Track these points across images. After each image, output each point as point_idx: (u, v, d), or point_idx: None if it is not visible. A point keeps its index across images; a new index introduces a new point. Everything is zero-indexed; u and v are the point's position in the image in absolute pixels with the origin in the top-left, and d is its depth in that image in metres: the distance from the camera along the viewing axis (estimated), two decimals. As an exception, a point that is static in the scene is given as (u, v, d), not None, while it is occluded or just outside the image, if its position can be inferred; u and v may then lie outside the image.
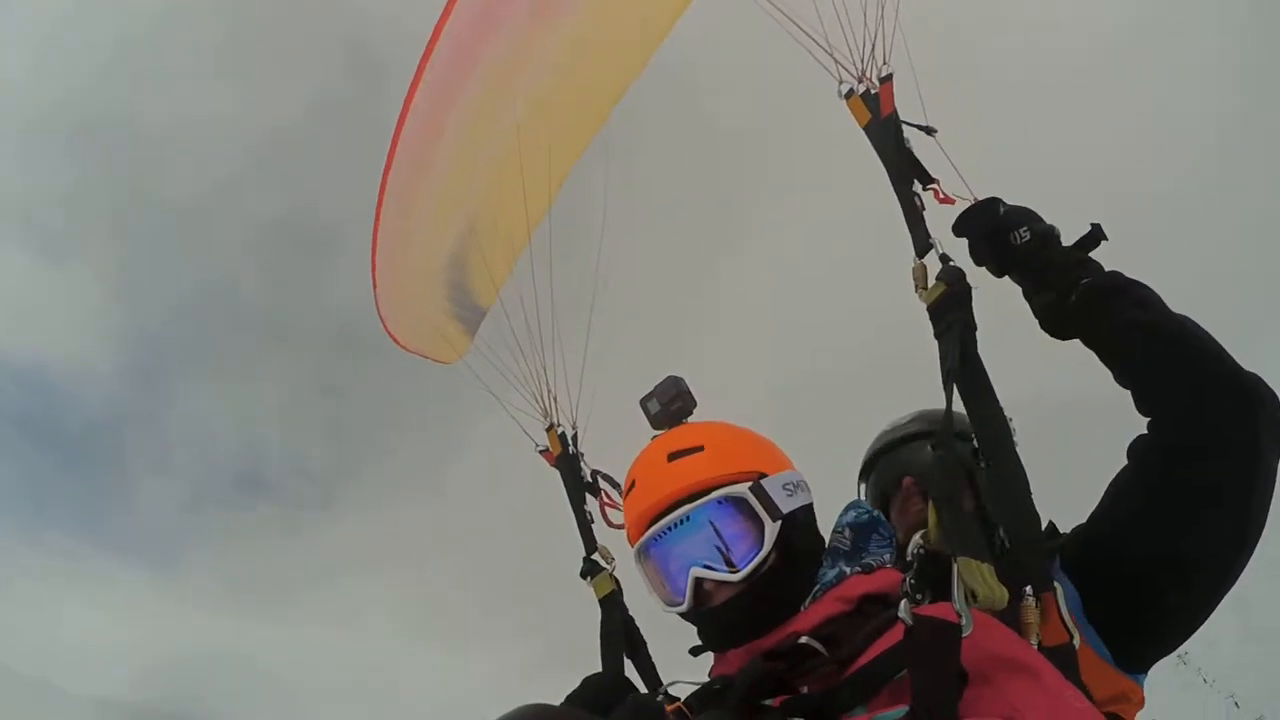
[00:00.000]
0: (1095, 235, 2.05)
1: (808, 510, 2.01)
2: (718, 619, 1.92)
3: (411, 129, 3.18)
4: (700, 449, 1.98)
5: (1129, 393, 1.97)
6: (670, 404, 2.19)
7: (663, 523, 1.93)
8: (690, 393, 2.22)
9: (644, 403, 2.23)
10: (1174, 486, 1.86)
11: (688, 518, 1.91)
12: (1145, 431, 1.94)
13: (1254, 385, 1.86)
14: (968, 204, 2.13)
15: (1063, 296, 2.00)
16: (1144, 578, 1.86)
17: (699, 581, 1.89)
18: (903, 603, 1.55)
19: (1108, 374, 2.01)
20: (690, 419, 2.20)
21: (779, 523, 1.89)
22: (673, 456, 1.98)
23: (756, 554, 1.87)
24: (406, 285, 3.69)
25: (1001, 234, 2.06)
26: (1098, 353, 2.01)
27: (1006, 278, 2.11)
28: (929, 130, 2.18)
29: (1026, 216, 2.08)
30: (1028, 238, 2.03)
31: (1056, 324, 2.05)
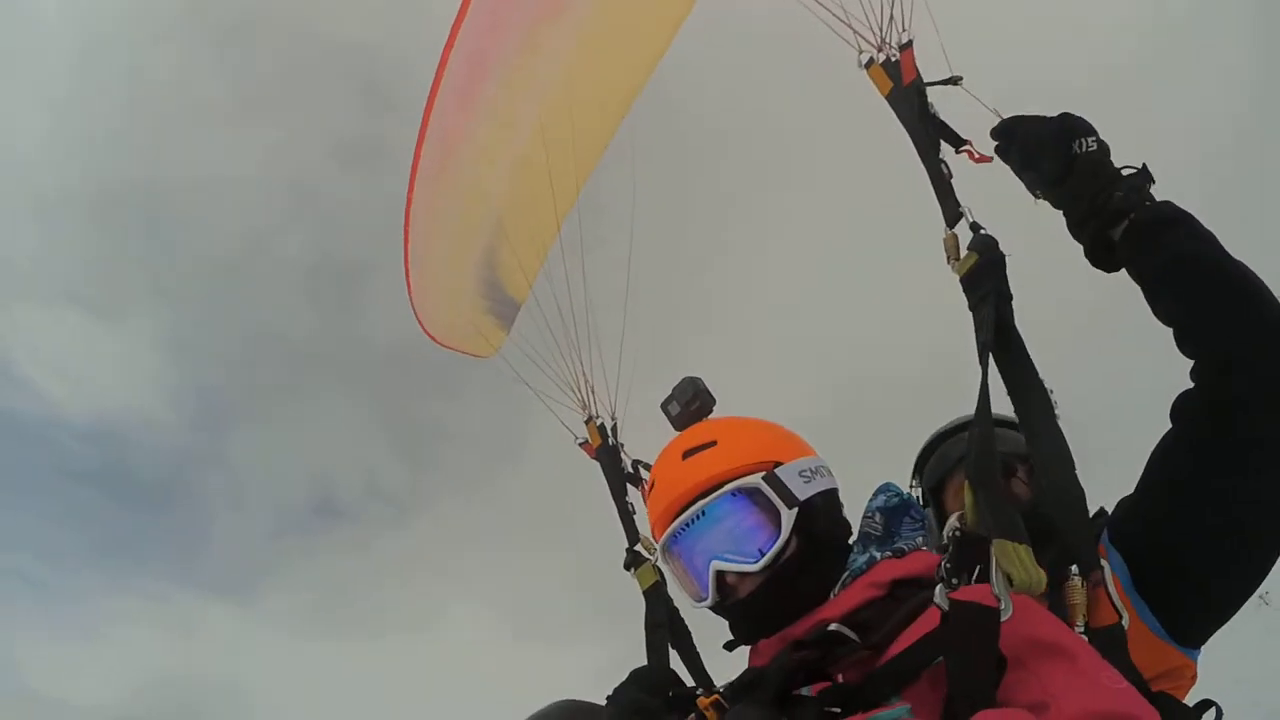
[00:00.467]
0: (1146, 171, 1.92)
1: (829, 496, 1.96)
2: (744, 611, 1.91)
3: (434, 131, 3.21)
4: (713, 444, 1.97)
5: (1171, 329, 1.84)
6: (689, 404, 2.21)
7: (681, 519, 1.94)
8: (708, 391, 2.23)
9: (664, 406, 2.26)
10: (1222, 443, 1.74)
11: (703, 512, 1.91)
12: (1187, 390, 1.82)
13: None
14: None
15: (1111, 221, 1.88)
16: (1195, 545, 1.76)
17: (721, 575, 1.89)
18: (938, 588, 1.52)
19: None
20: (710, 416, 2.21)
21: (795, 510, 1.87)
22: (687, 454, 1.98)
23: (775, 542, 1.85)
24: (439, 283, 3.74)
25: (1064, 139, 1.91)
26: (1144, 285, 1.87)
27: (1042, 201, 2.00)
28: (954, 80, 2.10)
29: (1091, 127, 1.92)
30: (1094, 147, 1.90)
31: (1105, 251, 1.93)
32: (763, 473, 1.90)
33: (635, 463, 2.85)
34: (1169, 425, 1.86)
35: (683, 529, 1.93)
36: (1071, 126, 1.92)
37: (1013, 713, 1.35)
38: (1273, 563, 1.78)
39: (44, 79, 43.32)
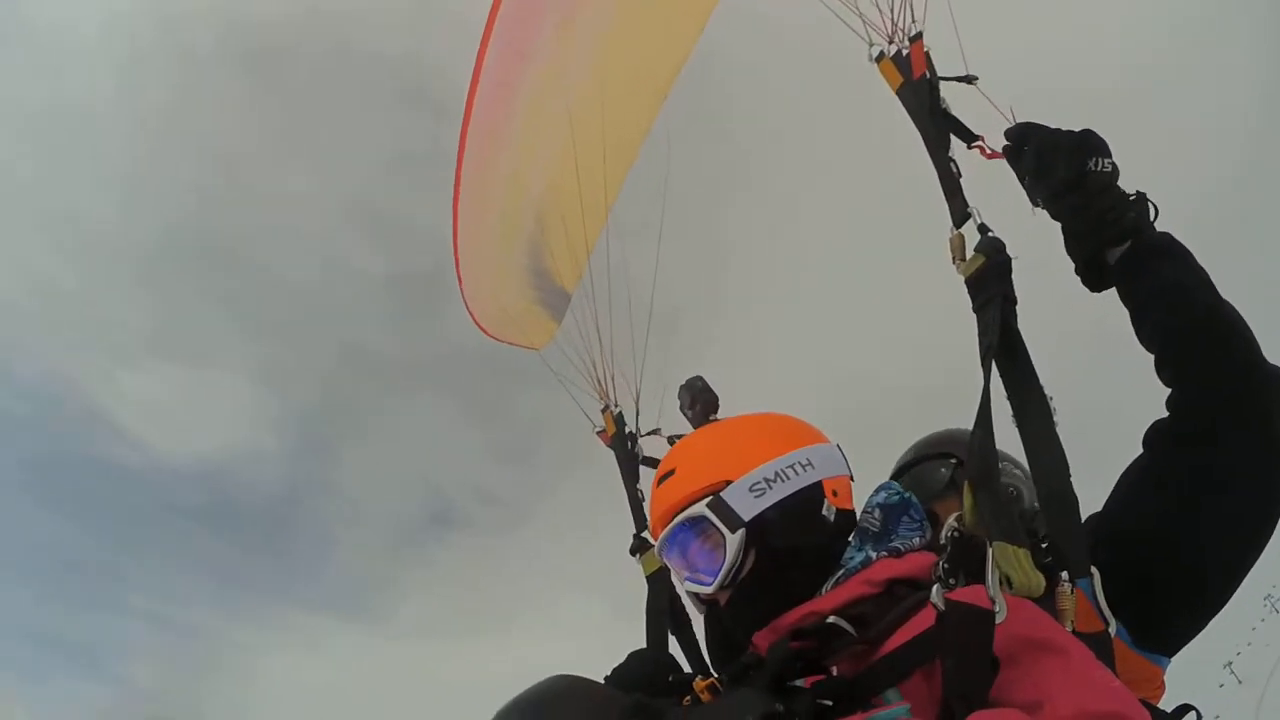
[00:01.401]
0: (1147, 199, 1.92)
1: (793, 500, 1.94)
2: (728, 618, 2.00)
3: (477, 125, 3.28)
4: (672, 472, 2.06)
5: (1153, 356, 1.87)
6: (692, 407, 2.30)
7: (657, 545, 2.08)
8: (708, 388, 2.30)
9: (682, 411, 2.36)
10: (1183, 471, 1.78)
11: (666, 542, 2.03)
12: (1160, 419, 1.86)
13: (1277, 378, 1.77)
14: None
15: (1112, 241, 1.89)
16: (1156, 565, 1.77)
17: (694, 594, 2.05)
18: (935, 587, 1.53)
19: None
20: (718, 412, 2.31)
21: (740, 531, 1.89)
22: (660, 481, 2.10)
23: (720, 567, 1.92)
24: (489, 277, 3.83)
25: (1082, 152, 1.90)
26: (1132, 309, 1.90)
27: (1045, 214, 1.99)
28: (969, 79, 2.08)
29: (1109, 149, 1.93)
30: (1108, 169, 1.89)
31: (1096, 270, 1.94)
32: (709, 497, 1.94)
33: (646, 459, 2.91)
34: (1140, 450, 1.89)
35: (661, 552, 2.08)
36: (1092, 143, 1.91)
37: (1008, 713, 1.37)
38: (1238, 582, 1.81)
39: (108, 155, 46.13)
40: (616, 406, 2.96)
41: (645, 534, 2.69)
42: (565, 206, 3.28)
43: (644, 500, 2.76)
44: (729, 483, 1.95)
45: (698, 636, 2.52)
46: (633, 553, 2.68)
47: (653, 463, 2.87)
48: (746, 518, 1.90)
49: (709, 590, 1.94)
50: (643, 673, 2.21)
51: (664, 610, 2.48)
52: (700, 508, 1.94)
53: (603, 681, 2.25)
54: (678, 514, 1.98)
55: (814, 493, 1.96)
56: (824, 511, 1.96)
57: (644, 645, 2.59)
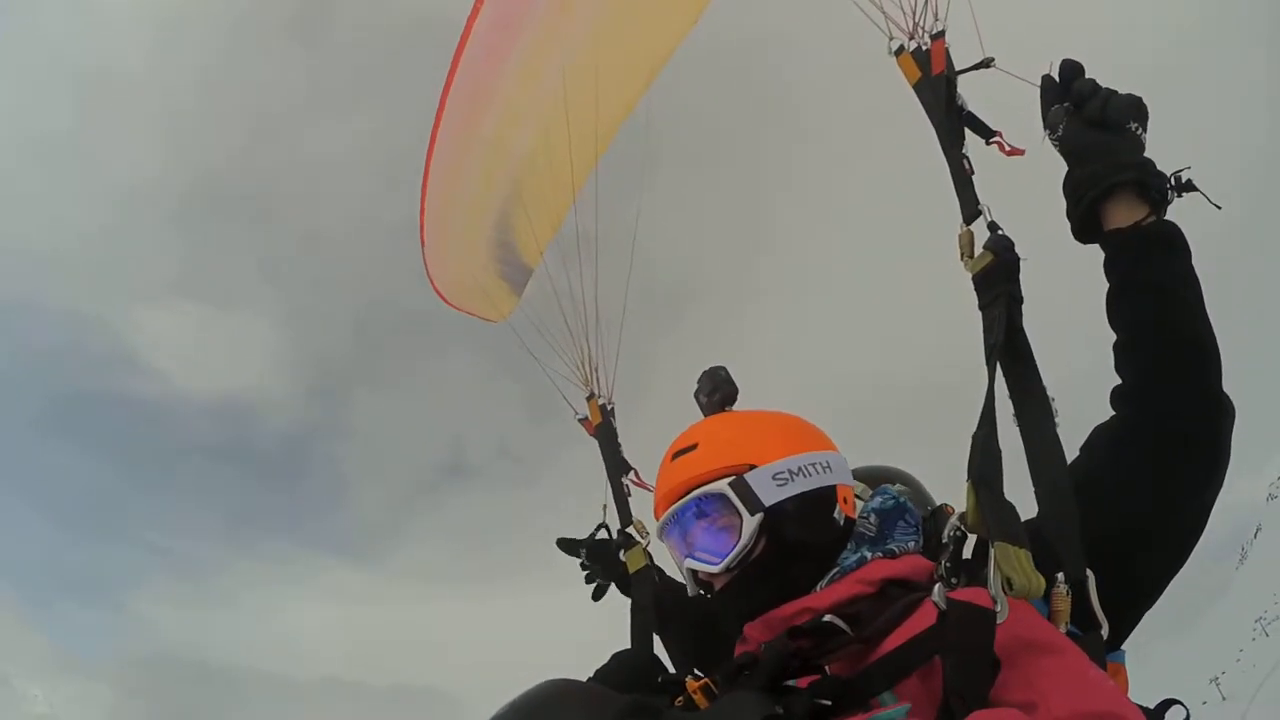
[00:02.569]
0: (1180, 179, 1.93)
1: (810, 497, 1.98)
2: (721, 603, 2.02)
3: (457, 93, 3.23)
4: (694, 447, 2.06)
5: (1116, 340, 1.91)
6: (712, 395, 2.29)
7: (664, 518, 2.07)
8: (729, 379, 2.30)
9: (696, 397, 2.34)
10: (1132, 476, 1.82)
11: (676, 515, 2.03)
12: (1105, 422, 1.91)
13: (1230, 407, 1.84)
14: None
15: (1116, 193, 1.89)
16: (1106, 563, 1.76)
17: (694, 572, 2.02)
18: (937, 587, 1.56)
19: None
20: (734, 405, 2.29)
21: (760, 515, 1.92)
22: (675, 455, 2.09)
23: (734, 547, 1.93)
24: (454, 245, 3.77)
25: (1130, 109, 1.90)
26: (1115, 287, 1.91)
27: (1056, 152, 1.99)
28: (986, 64, 2.07)
29: (1148, 123, 1.95)
30: (1140, 133, 1.90)
31: (1090, 223, 1.94)
32: (732, 477, 1.96)
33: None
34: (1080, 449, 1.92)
35: (665, 527, 2.07)
36: (1142, 107, 1.92)
37: (1006, 712, 1.38)
38: (1164, 587, 1.88)
39: (145, 110, 46.81)
40: (600, 396, 2.90)
41: (630, 530, 2.64)
42: (540, 181, 3.26)
43: (629, 495, 2.71)
44: (752, 467, 1.98)
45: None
46: (618, 549, 2.62)
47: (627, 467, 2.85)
48: (767, 503, 1.93)
49: (715, 569, 1.95)
50: (629, 673, 2.23)
51: (648, 608, 2.46)
52: (722, 485, 1.96)
53: (589, 681, 2.27)
54: (695, 489, 1.99)
55: (829, 494, 2.01)
56: (835, 514, 2.00)
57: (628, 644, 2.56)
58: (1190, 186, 1.89)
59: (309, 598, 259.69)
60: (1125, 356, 1.90)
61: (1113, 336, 1.94)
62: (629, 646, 2.45)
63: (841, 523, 1.99)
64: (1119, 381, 1.92)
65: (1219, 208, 1.94)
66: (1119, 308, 1.92)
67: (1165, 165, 1.89)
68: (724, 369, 2.31)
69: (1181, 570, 1.90)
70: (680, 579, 2.17)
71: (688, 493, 2.00)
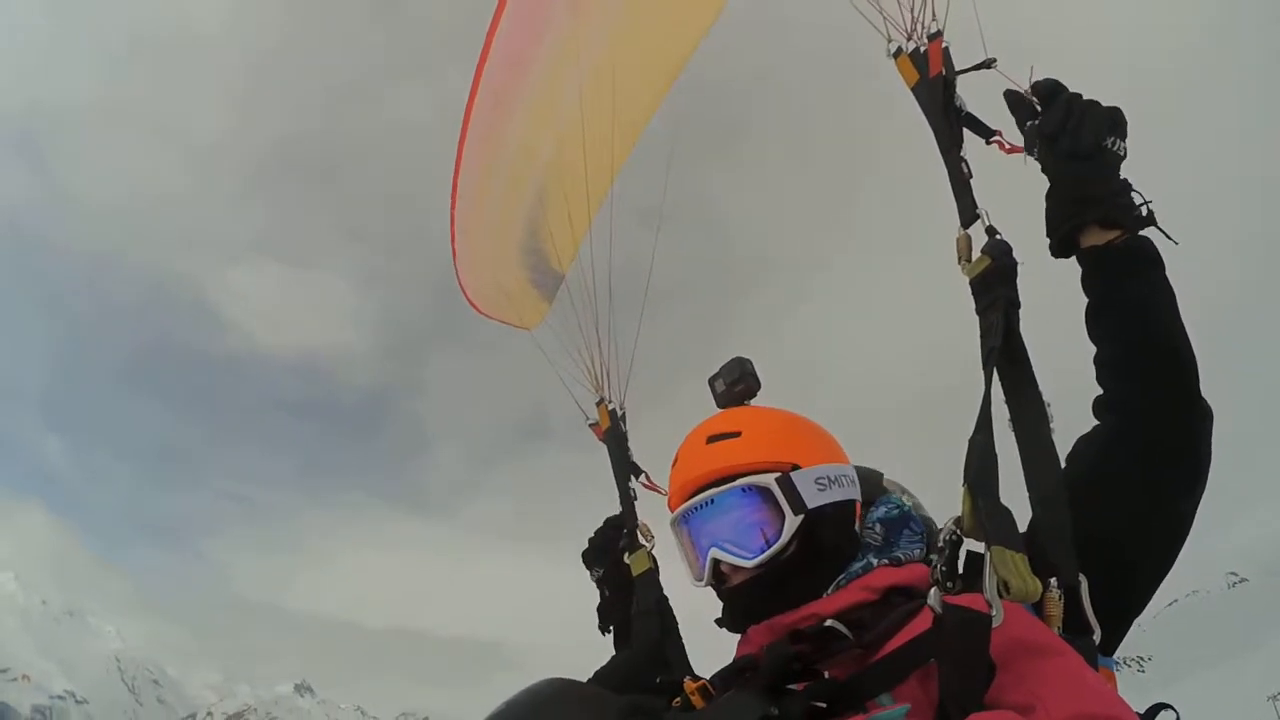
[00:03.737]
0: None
1: (843, 507, 2.02)
2: (732, 599, 2.02)
3: (483, 101, 3.28)
4: (737, 434, 2.05)
5: (1097, 352, 1.96)
6: (734, 385, 2.26)
7: (692, 501, 2.04)
8: (755, 374, 2.28)
9: (711, 381, 2.32)
10: (1130, 476, 1.88)
11: (713, 500, 2.01)
12: (1088, 434, 1.97)
13: (1208, 406, 1.90)
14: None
15: (1093, 222, 1.92)
16: (1094, 570, 1.80)
17: (717, 562, 2.00)
18: (933, 590, 1.58)
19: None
20: (754, 401, 2.28)
21: (801, 516, 1.94)
22: (711, 439, 2.07)
23: (773, 544, 1.94)
24: (483, 253, 3.83)
25: (1108, 126, 1.91)
26: (1094, 301, 1.95)
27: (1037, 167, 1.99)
28: (987, 64, 2.06)
29: (1127, 133, 1.95)
30: (1121, 153, 1.92)
31: (1069, 243, 1.97)
32: (778, 473, 1.97)
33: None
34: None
35: (693, 511, 2.05)
36: (1119, 121, 1.93)
37: (1003, 714, 1.40)
38: (1155, 589, 1.94)
39: (224, 76, 47.27)
40: (612, 402, 2.94)
41: (636, 533, 2.66)
42: (568, 185, 3.26)
43: (636, 498, 2.73)
44: (796, 466, 1.99)
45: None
46: (622, 551, 2.64)
47: (638, 470, 2.85)
48: (810, 505, 1.95)
49: (748, 564, 1.95)
50: (628, 674, 2.25)
51: (652, 612, 2.47)
52: (768, 480, 1.97)
53: (590, 682, 2.32)
54: (735, 476, 1.99)
55: (853, 508, 2.05)
56: (856, 527, 2.04)
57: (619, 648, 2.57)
58: (1151, 220, 1.89)
59: (381, 548, 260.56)
60: (1106, 369, 1.94)
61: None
62: (629, 649, 2.47)
63: (859, 535, 2.02)
64: (1101, 392, 1.96)
65: (1176, 243, 1.95)
66: (1097, 324, 1.96)
67: (1143, 177, 1.90)
68: (750, 362, 2.30)
69: (1249, 582, 1.92)
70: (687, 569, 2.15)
71: (724, 479, 2.00)
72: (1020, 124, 2.02)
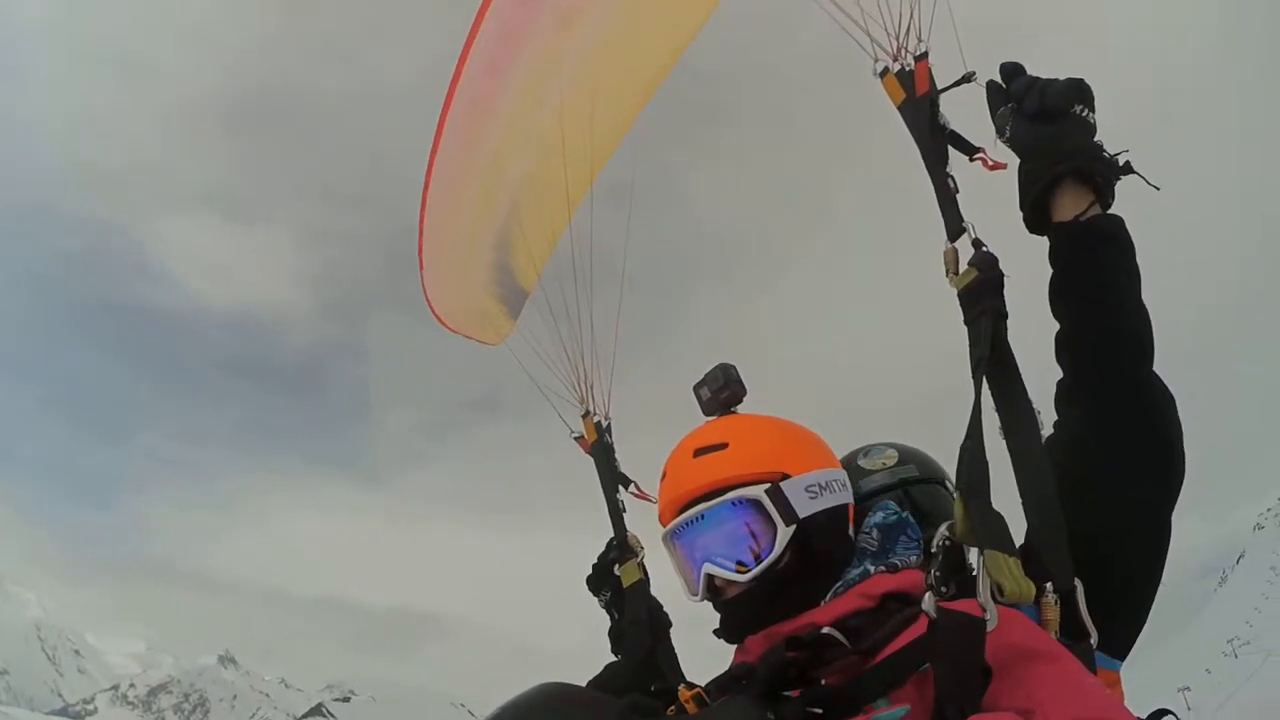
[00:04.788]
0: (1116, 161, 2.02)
1: (835, 513, 2.03)
2: (729, 611, 2.02)
3: (458, 110, 3.26)
4: (724, 446, 2.05)
5: (1060, 328, 2.02)
6: (719, 392, 2.26)
7: (682, 517, 2.04)
8: (740, 381, 2.27)
9: (696, 389, 2.31)
10: (1104, 469, 1.92)
11: (703, 516, 2.01)
12: (1064, 418, 2.02)
13: (1165, 388, 1.96)
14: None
15: (1064, 182, 1.99)
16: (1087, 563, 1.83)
17: (711, 577, 2.00)
18: (927, 595, 1.60)
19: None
20: (739, 407, 2.27)
21: (794, 527, 1.95)
22: (699, 452, 2.07)
23: (766, 557, 1.94)
24: (452, 266, 3.80)
25: (1071, 93, 1.99)
26: (1060, 277, 2.02)
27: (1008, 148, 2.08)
28: (968, 78, 2.13)
29: (1094, 104, 2.03)
30: (1090, 120, 1.99)
31: (1043, 214, 2.04)
32: (767, 484, 1.97)
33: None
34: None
35: (683, 527, 2.04)
36: (1084, 89, 2.00)
37: (1003, 716, 1.42)
38: (1160, 572, 1.96)
39: (185, 8, 44.51)
40: (596, 414, 2.94)
41: (628, 544, 2.66)
42: (536, 200, 3.29)
43: (624, 511, 2.73)
44: (786, 476, 1.99)
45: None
46: (612, 563, 2.64)
47: (626, 481, 2.84)
48: (802, 515, 1.95)
49: (742, 579, 1.95)
50: (623, 682, 2.24)
51: (642, 622, 2.46)
52: (757, 492, 1.97)
53: (587, 686, 2.30)
54: (724, 489, 1.98)
55: (846, 512, 2.07)
56: (849, 531, 2.05)
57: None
58: (1129, 169, 1.97)
59: (317, 515, 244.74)
60: (1065, 348, 2.01)
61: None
62: (621, 659, 2.48)
63: (853, 539, 2.03)
64: (1061, 375, 2.02)
65: (1157, 189, 2.02)
66: (1061, 301, 2.02)
67: (1112, 142, 1.97)
68: (735, 368, 2.29)
69: (1164, 583, 1.97)
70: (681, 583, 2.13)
71: (714, 493, 1.99)
72: (994, 112, 2.10)
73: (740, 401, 2.27)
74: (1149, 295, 1.98)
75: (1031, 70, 2.10)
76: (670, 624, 2.51)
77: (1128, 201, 2.01)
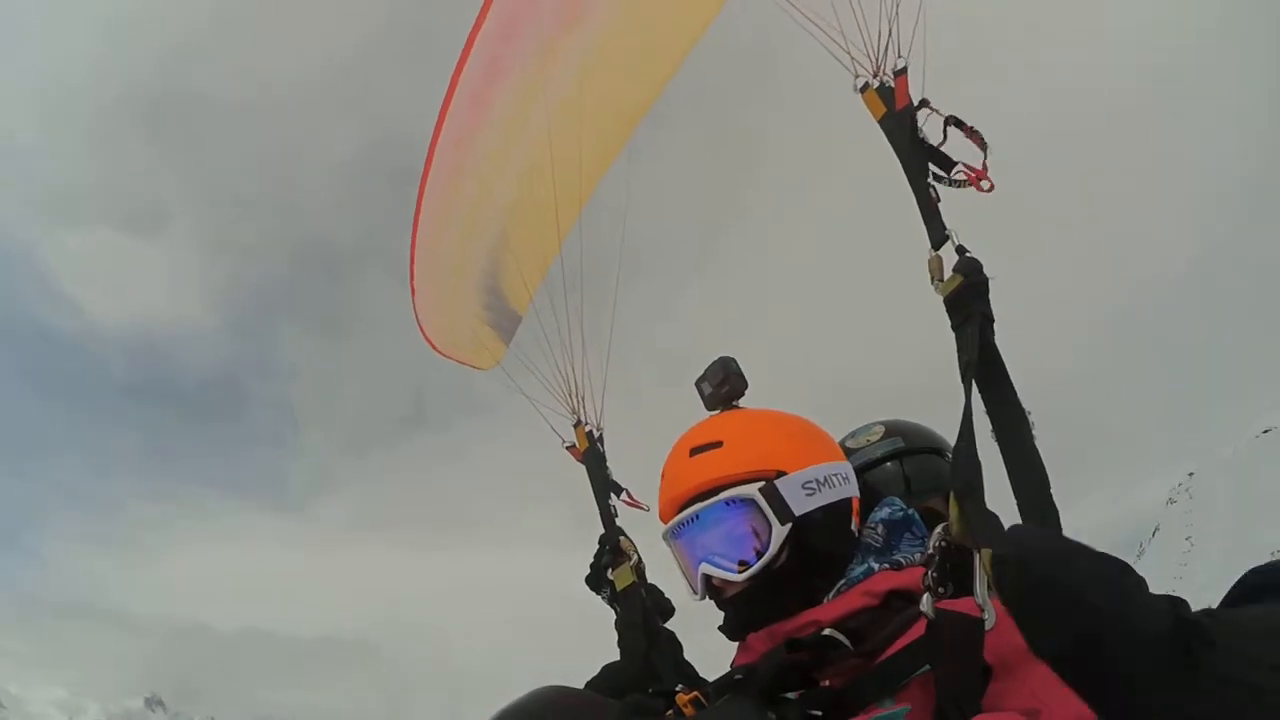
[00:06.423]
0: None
1: (835, 508, 2.00)
2: (730, 610, 2.01)
3: (448, 137, 3.30)
4: (719, 444, 2.04)
5: None
6: (719, 386, 2.24)
7: (680, 517, 2.03)
8: (741, 374, 2.26)
9: (698, 384, 2.30)
10: None
11: (698, 516, 2.00)
12: None
13: None
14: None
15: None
16: None
17: (709, 576, 1.99)
18: (925, 597, 1.60)
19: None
20: (741, 401, 2.25)
21: (789, 526, 1.93)
22: (694, 451, 2.06)
23: (761, 556, 1.93)
24: (443, 291, 3.83)
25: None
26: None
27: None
28: (951, 121, 2.13)
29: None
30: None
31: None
32: (761, 482, 1.95)
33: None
34: None
35: (680, 527, 2.03)
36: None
37: (1006, 716, 1.42)
38: None
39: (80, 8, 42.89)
40: (587, 424, 2.96)
41: (621, 548, 2.67)
42: (525, 227, 3.31)
43: (616, 516, 2.75)
44: (781, 473, 1.97)
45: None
46: (605, 567, 2.64)
47: (618, 489, 2.85)
48: (797, 513, 1.94)
49: (739, 579, 1.93)
50: (620, 684, 2.23)
51: (637, 624, 2.45)
52: (751, 490, 1.95)
53: (585, 688, 2.29)
54: (719, 489, 1.97)
55: (847, 506, 2.04)
56: (852, 526, 2.03)
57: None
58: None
59: (235, 545, 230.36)
60: None
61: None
62: (618, 660, 2.47)
63: (856, 534, 2.02)
64: None
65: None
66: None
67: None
68: (736, 361, 2.27)
69: None
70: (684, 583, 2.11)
71: (709, 492, 1.98)
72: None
73: (741, 395, 2.25)
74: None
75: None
76: (669, 626, 2.51)
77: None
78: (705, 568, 1.98)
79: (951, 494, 1.72)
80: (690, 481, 2.02)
